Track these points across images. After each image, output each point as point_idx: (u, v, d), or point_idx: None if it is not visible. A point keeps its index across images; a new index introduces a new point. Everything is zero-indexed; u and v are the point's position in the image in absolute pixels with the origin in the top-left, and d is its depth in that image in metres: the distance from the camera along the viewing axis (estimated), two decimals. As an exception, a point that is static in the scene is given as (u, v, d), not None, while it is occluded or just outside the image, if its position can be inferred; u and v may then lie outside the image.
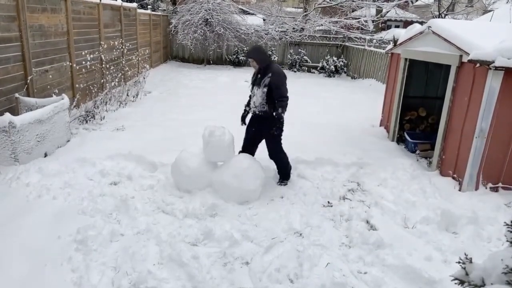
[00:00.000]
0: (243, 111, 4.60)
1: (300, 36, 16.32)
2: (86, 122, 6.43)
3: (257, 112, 4.30)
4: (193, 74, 13.51)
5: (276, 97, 4.14)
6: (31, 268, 2.86)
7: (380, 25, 22.78)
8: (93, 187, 4.12)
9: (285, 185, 4.52)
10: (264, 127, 4.32)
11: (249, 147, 4.53)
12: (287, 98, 4.19)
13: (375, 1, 19.16)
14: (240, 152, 4.53)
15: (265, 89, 4.15)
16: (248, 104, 4.52)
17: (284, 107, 4.16)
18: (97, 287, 2.75)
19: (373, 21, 20.17)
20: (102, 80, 7.75)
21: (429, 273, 2.95)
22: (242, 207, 3.93)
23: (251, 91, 4.39)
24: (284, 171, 4.56)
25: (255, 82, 4.31)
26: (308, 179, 4.71)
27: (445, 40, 4.81)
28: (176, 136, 5.95)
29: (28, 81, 5.29)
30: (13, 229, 3.30)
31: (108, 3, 8.43)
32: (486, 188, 4.49)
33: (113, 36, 8.81)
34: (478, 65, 4.17)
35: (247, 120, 4.57)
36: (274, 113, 4.16)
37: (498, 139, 4.35)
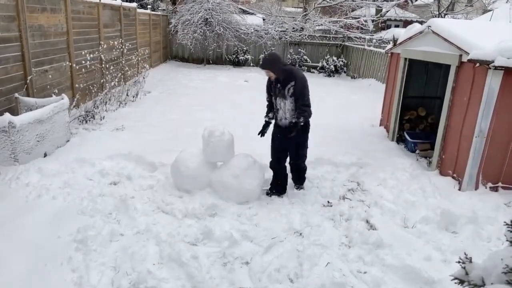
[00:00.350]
0: (264, 123, 4.26)
1: (300, 35, 16.32)
2: (86, 122, 6.43)
3: (289, 123, 4.00)
4: (193, 74, 13.50)
5: (299, 105, 3.88)
6: (31, 268, 2.86)
7: (379, 25, 22.77)
8: (92, 187, 4.12)
9: (302, 189, 4.42)
10: (297, 134, 4.01)
11: (282, 155, 4.24)
12: (309, 106, 3.94)
13: (374, 1, 19.15)
14: (271, 162, 4.29)
15: (293, 98, 3.90)
16: (270, 117, 4.23)
17: (305, 118, 3.93)
18: (97, 287, 2.75)
19: (372, 21, 20.16)
20: (101, 80, 7.74)
21: (429, 273, 2.95)
22: (242, 207, 3.93)
23: (276, 105, 4.05)
24: (303, 176, 4.45)
25: (278, 93, 3.98)
26: (308, 179, 4.69)
27: (445, 39, 4.81)
28: (175, 136, 5.95)
29: (28, 81, 5.29)
30: (13, 229, 3.30)
31: (107, 3, 8.42)
32: (485, 188, 4.49)
33: (112, 36, 8.80)
34: (477, 64, 4.17)
35: (269, 129, 4.27)
36: (298, 122, 3.88)
37: (498, 138, 4.35)
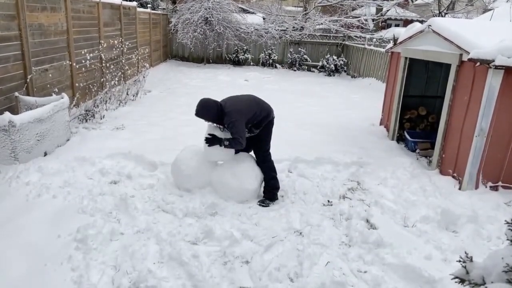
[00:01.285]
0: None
1: (300, 35, 16.32)
2: (86, 121, 6.43)
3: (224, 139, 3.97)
4: (193, 73, 13.50)
5: (232, 135, 3.84)
6: (31, 267, 2.86)
7: (380, 24, 22.76)
8: (93, 186, 4.12)
9: (265, 206, 3.99)
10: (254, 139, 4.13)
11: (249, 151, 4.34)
12: (238, 141, 3.79)
13: (375, 0, 19.13)
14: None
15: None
16: None
17: (230, 145, 3.86)
18: (97, 286, 2.75)
19: (373, 20, 20.15)
20: (102, 79, 7.74)
21: (429, 272, 2.95)
22: (242, 206, 3.93)
23: None
24: (268, 187, 4.11)
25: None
26: (308, 178, 4.71)
27: (445, 39, 4.80)
28: (176, 135, 5.95)
29: (28, 80, 5.29)
30: (13, 228, 3.30)
31: (107, 2, 8.41)
32: (486, 187, 4.49)
33: (112, 35, 8.80)
34: (478, 64, 4.17)
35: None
36: (223, 140, 3.86)
37: (498, 138, 4.34)
